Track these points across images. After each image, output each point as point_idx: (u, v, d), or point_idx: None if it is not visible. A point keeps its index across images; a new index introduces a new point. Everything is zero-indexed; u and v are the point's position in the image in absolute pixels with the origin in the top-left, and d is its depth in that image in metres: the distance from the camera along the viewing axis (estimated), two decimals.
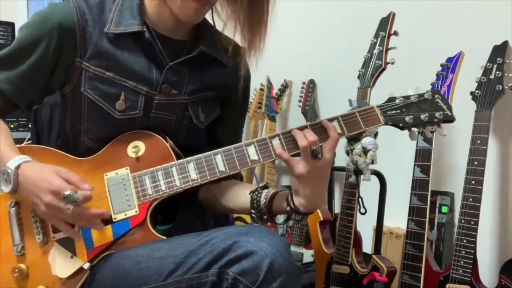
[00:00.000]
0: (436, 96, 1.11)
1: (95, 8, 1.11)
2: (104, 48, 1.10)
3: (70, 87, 1.13)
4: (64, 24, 1.08)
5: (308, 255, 2.19)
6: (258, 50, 1.15)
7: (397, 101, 1.11)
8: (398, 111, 1.10)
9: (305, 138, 1.03)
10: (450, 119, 1.11)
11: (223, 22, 1.20)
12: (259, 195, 1.13)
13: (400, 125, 1.11)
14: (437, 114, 1.10)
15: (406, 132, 1.14)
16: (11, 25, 2.21)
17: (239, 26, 1.15)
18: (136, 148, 1.11)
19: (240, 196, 1.18)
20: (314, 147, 1.02)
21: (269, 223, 1.15)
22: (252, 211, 1.13)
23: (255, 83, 2.48)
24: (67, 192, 0.97)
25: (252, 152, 1.08)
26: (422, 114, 1.10)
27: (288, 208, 1.08)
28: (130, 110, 1.12)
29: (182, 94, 1.17)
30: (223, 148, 1.08)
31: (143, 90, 1.12)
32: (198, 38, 1.18)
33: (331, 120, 1.09)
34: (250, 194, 1.14)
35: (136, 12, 1.11)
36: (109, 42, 1.10)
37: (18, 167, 1.02)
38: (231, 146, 1.08)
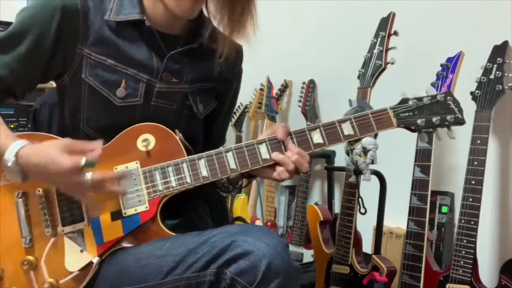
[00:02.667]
0: (448, 98, 1.10)
1: None
2: (105, 35, 1.10)
3: (69, 76, 1.13)
4: (67, 7, 1.08)
5: (308, 255, 2.19)
6: (247, 34, 1.14)
7: (410, 103, 1.10)
8: (411, 113, 1.09)
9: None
10: (460, 122, 1.10)
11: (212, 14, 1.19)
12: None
13: (412, 128, 1.10)
14: (448, 117, 1.09)
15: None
16: (11, 25, 2.21)
17: (228, 14, 1.13)
18: (146, 141, 1.10)
19: None
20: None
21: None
22: (219, 190, 1.25)
23: (255, 83, 2.48)
24: (83, 162, 0.94)
25: (264, 151, 1.08)
26: (434, 117, 1.09)
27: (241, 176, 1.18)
28: (130, 98, 1.12)
29: (183, 83, 1.17)
30: (234, 146, 1.09)
31: (143, 78, 1.13)
32: (195, 32, 1.19)
33: (343, 121, 1.09)
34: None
35: (136, 2, 1.12)
36: (110, 30, 1.11)
37: (16, 155, 0.97)
38: (243, 144, 1.09)
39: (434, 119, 1.09)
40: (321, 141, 1.09)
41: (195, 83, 1.19)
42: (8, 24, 2.24)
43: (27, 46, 1.08)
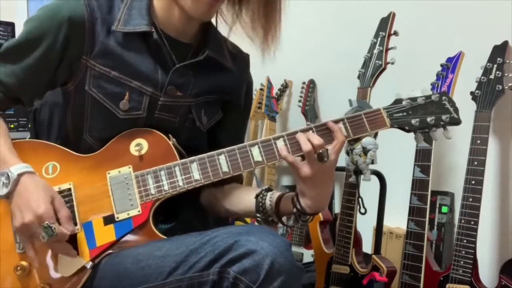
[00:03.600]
0: (443, 98, 1.09)
1: (104, 6, 1.11)
2: (110, 47, 1.10)
3: (73, 85, 1.12)
4: (73, 19, 1.07)
5: (308, 255, 2.19)
6: (276, 38, 1.15)
7: (403, 103, 1.09)
8: (405, 113, 1.08)
9: (309, 142, 1.03)
10: (456, 122, 1.09)
11: (229, 23, 1.19)
12: (264, 198, 1.14)
13: (406, 128, 1.09)
14: (443, 117, 1.08)
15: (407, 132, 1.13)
16: (11, 25, 2.20)
17: (254, 18, 1.14)
18: (139, 146, 1.10)
19: (244, 200, 1.19)
20: (320, 151, 1.02)
21: (274, 225, 1.16)
22: (258, 214, 1.14)
23: (255, 83, 2.47)
24: (46, 224, 0.97)
25: (256, 153, 1.06)
26: (428, 117, 1.08)
27: (294, 210, 1.09)
28: (134, 110, 1.12)
29: (187, 97, 1.16)
30: (226, 148, 1.07)
31: (148, 91, 1.12)
32: (204, 42, 1.18)
33: (336, 121, 1.07)
34: (255, 198, 1.15)
35: (144, 12, 1.11)
36: (116, 41, 1.10)
37: (21, 174, 1.02)
38: (235, 147, 1.07)
39: (428, 119, 1.08)
40: None
41: (200, 96, 1.18)
42: (8, 24, 2.24)
43: (35, 57, 1.09)
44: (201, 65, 1.16)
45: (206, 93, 1.19)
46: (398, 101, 1.10)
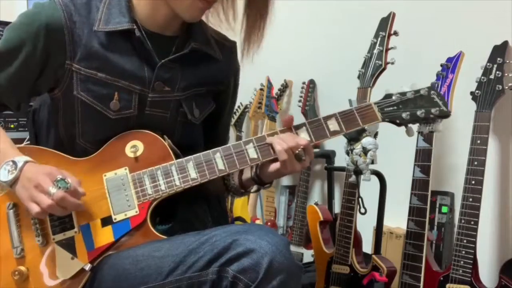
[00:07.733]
0: (432, 92, 1.12)
1: (82, 9, 1.10)
2: (94, 49, 1.09)
3: (60, 91, 1.12)
4: (51, 25, 1.07)
5: (308, 255, 2.19)
6: (257, 45, 1.17)
7: (393, 97, 1.12)
8: (395, 107, 1.12)
9: (284, 143, 1.07)
10: (445, 115, 1.12)
11: (219, 19, 1.21)
12: (229, 179, 1.25)
13: (397, 121, 1.12)
14: (433, 110, 1.11)
15: (403, 128, 1.15)
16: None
17: (240, 22, 1.16)
18: (135, 147, 1.11)
19: (216, 181, 1.23)
20: (297, 151, 1.07)
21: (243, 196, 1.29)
22: (230, 193, 1.27)
23: (255, 83, 2.48)
24: (59, 176, 0.98)
25: (252, 151, 1.08)
26: (418, 110, 1.11)
27: (253, 181, 1.19)
28: (124, 110, 1.12)
29: (175, 91, 1.16)
30: (222, 147, 1.09)
31: (136, 89, 1.12)
32: (189, 34, 1.18)
33: (328, 117, 1.10)
34: (223, 181, 1.25)
35: (125, 10, 1.10)
36: (98, 42, 1.09)
37: (26, 162, 1.04)
38: (230, 145, 1.09)
39: (418, 112, 1.11)
40: (307, 138, 1.11)
41: (188, 90, 1.18)
42: (8, 24, 2.24)
43: (16, 66, 1.09)
44: (187, 57, 1.16)
45: (195, 86, 1.19)
46: (388, 96, 1.13)
